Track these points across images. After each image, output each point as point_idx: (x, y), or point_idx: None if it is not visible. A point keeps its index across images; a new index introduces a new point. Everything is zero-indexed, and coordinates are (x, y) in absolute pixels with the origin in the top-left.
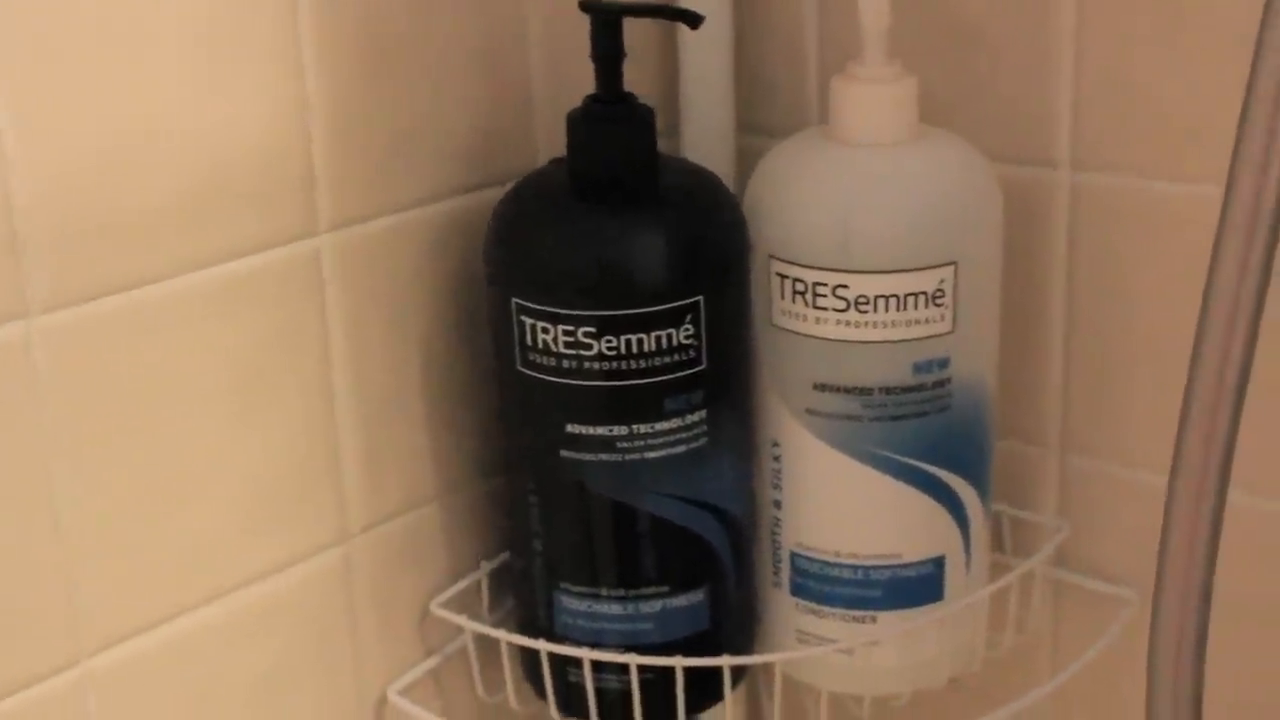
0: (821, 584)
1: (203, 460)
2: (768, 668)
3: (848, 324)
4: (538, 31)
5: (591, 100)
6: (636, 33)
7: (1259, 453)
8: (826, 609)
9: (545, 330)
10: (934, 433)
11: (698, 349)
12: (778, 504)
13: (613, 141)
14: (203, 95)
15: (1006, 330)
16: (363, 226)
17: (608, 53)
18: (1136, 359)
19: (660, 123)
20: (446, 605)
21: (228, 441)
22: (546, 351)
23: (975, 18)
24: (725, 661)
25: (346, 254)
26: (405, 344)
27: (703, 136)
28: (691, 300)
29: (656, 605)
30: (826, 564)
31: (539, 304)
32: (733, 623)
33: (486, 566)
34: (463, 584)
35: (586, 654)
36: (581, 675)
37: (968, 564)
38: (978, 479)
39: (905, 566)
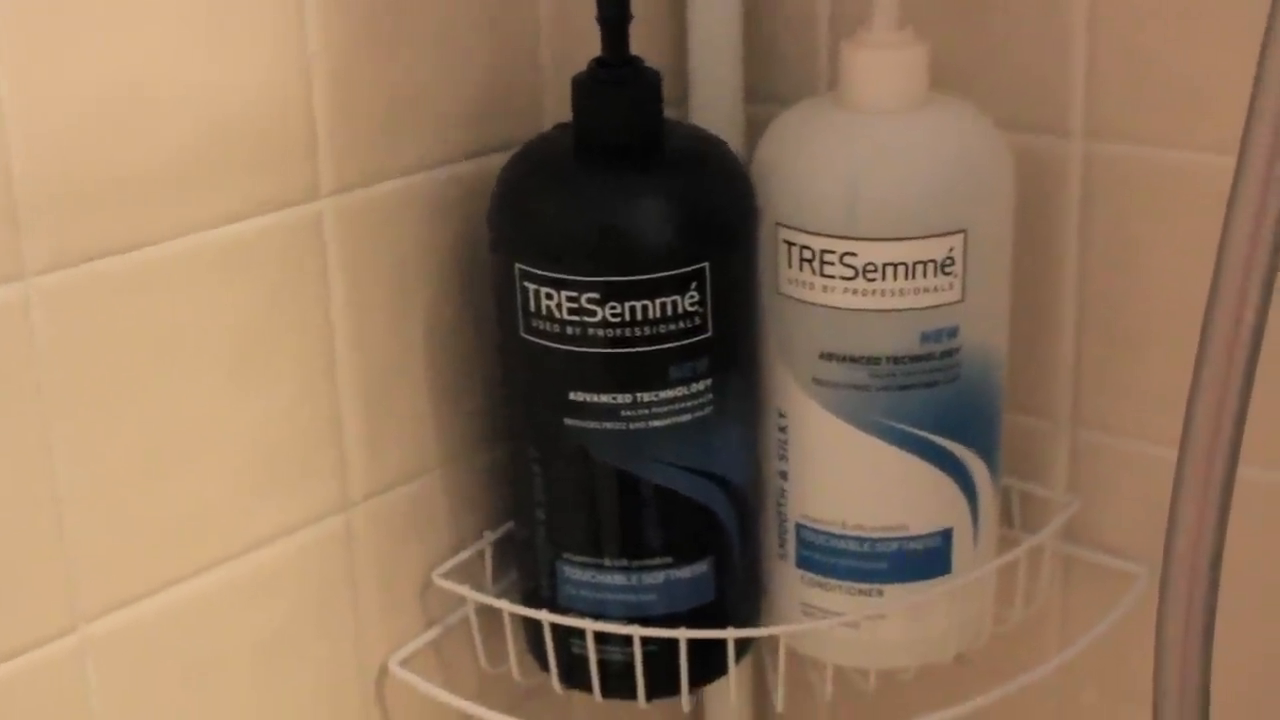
0: (827, 556)
1: (202, 425)
2: (772, 640)
3: (855, 292)
4: None
5: (597, 64)
6: None
7: (1271, 426)
8: (832, 581)
9: (549, 296)
10: (942, 403)
11: (703, 316)
12: (783, 475)
13: (618, 105)
14: (202, 55)
15: (1017, 301)
16: (365, 191)
17: (614, 15)
18: (1149, 331)
19: (669, 91)
20: (449, 575)
21: (228, 406)
22: (550, 318)
23: None
24: (729, 634)
25: (349, 218)
26: (408, 310)
27: (711, 104)
28: (697, 267)
29: (660, 576)
30: (832, 536)
31: (542, 270)
32: (737, 595)
33: (490, 536)
34: (465, 554)
35: (589, 625)
36: (585, 647)
37: (975, 537)
38: (986, 451)
39: (912, 539)
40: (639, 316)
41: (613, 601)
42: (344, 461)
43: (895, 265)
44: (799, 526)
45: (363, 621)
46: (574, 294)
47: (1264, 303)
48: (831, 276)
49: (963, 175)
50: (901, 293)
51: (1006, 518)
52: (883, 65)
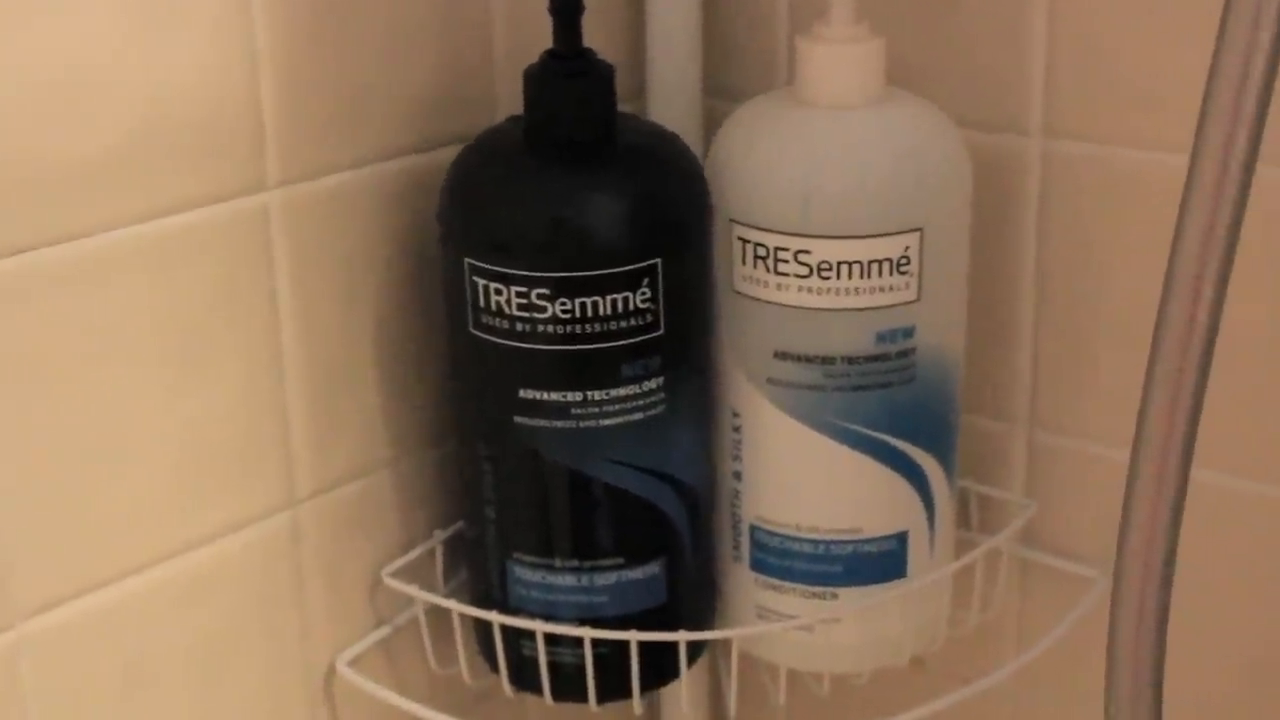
0: (782, 559)
1: (142, 421)
2: (726, 643)
3: (809, 291)
4: None
5: (549, 55)
6: None
7: (1224, 429)
8: (786, 584)
9: (498, 292)
10: (898, 405)
11: (655, 314)
12: (738, 475)
13: (570, 97)
14: (144, 40)
15: (974, 301)
16: (313, 183)
17: (565, 5)
18: (1108, 333)
19: (626, 85)
20: (398, 575)
21: (169, 402)
22: (499, 314)
23: None
24: (681, 637)
25: (296, 211)
26: (357, 305)
27: (669, 99)
28: (649, 263)
29: (612, 577)
30: (787, 538)
31: (491, 264)
32: (690, 597)
33: (440, 535)
34: (415, 553)
35: (540, 626)
36: (535, 648)
37: (932, 540)
38: (943, 453)
39: (867, 542)
40: (590, 313)
41: (564, 603)
42: (290, 458)
43: (850, 264)
44: (753, 528)
45: (309, 621)
46: (524, 289)
47: (1217, 302)
48: (786, 274)
49: (919, 172)
50: (856, 291)
51: (964, 520)
52: (838, 60)
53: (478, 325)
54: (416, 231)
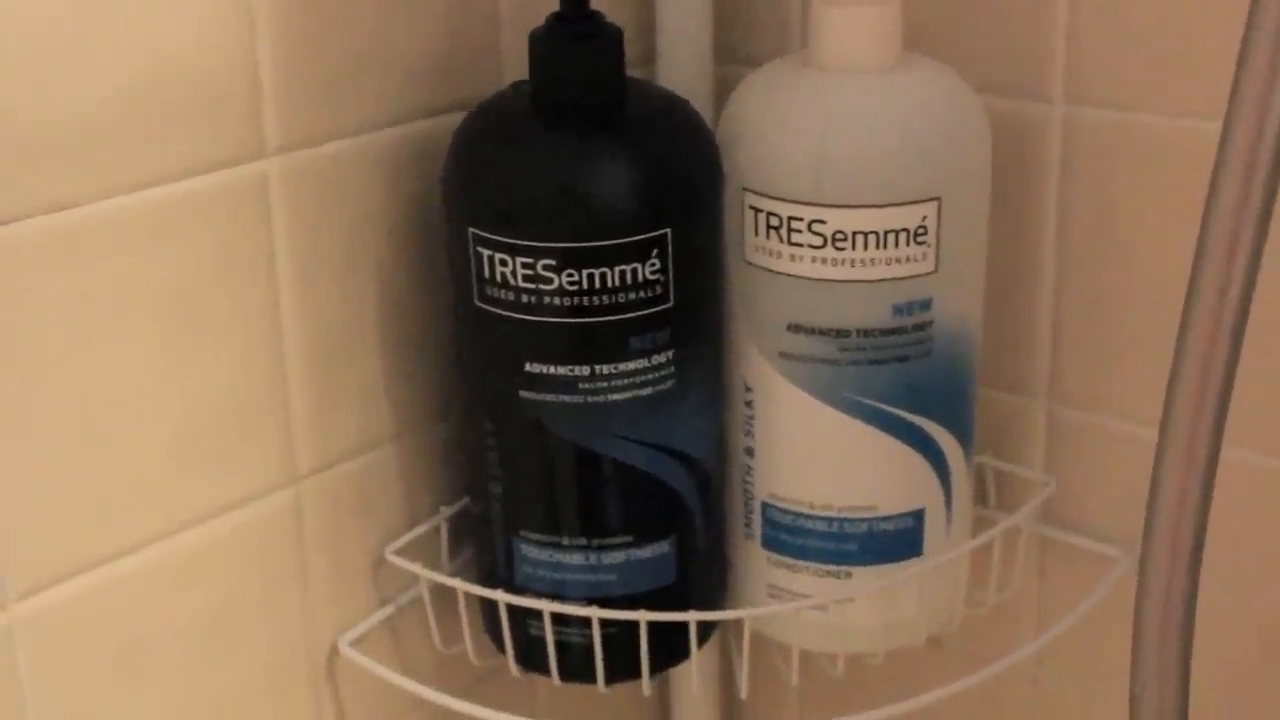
0: (795, 536)
1: (138, 395)
2: (738, 624)
3: (824, 262)
4: None
5: (555, 18)
6: None
7: (1255, 406)
8: (800, 563)
9: (503, 263)
10: (914, 379)
11: (665, 285)
12: (749, 451)
13: (577, 62)
14: (137, 1)
15: (993, 272)
16: (314, 150)
17: None
18: (1131, 305)
19: (636, 51)
20: (402, 552)
21: (166, 376)
22: (505, 285)
23: None
24: (691, 617)
25: (296, 179)
26: (359, 276)
27: (680, 65)
28: (658, 233)
29: (620, 556)
30: (800, 515)
31: (497, 235)
32: (701, 576)
33: (446, 512)
34: (419, 530)
35: (547, 606)
36: (542, 628)
37: (948, 518)
38: (960, 429)
39: (883, 519)
40: (598, 285)
41: (571, 581)
42: (291, 434)
43: (866, 234)
44: (765, 506)
45: (311, 601)
46: (529, 260)
47: (1251, 273)
48: (799, 245)
49: (937, 140)
50: (872, 263)
51: (981, 497)
52: (855, 23)
53: (482, 297)
54: (420, 200)
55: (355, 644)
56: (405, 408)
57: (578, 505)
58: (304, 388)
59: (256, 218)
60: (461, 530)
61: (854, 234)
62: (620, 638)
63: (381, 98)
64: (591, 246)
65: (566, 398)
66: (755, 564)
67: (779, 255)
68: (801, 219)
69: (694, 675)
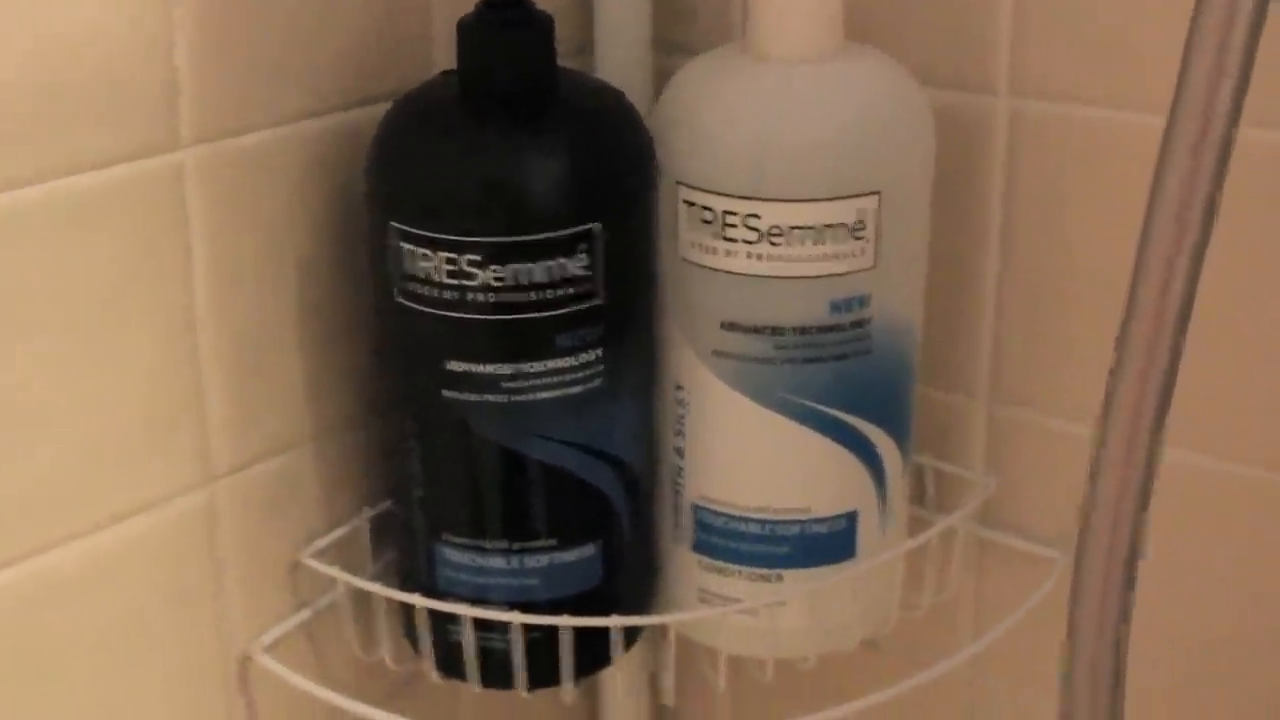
0: (726, 539)
1: (45, 394)
2: (664, 628)
3: (759, 257)
4: None
5: (485, 5)
6: None
7: (1193, 406)
8: (731, 566)
9: (425, 258)
10: (851, 378)
11: (593, 281)
12: (680, 452)
13: (505, 50)
14: None
15: (935, 268)
16: (233, 141)
17: None
18: (1074, 303)
19: (572, 40)
20: (321, 555)
21: (74, 374)
22: (427, 281)
23: None
24: (613, 622)
25: (213, 171)
26: (279, 271)
27: (617, 56)
28: (586, 227)
29: (544, 560)
30: (731, 518)
31: (419, 228)
32: (628, 580)
33: (369, 513)
34: (339, 533)
35: (466, 610)
36: (462, 633)
37: (883, 519)
38: (897, 429)
39: (815, 521)
40: (523, 280)
41: (493, 586)
42: (206, 433)
43: (802, 229)
44: (696, 508)
45: (225, 605)
46: (453, 255)
47: (1193, 274)
48: (734, 240)
49: (878, 132)
50: (809, 259)
51: (919, 497)
52: (792, 10)
53: (404, 293)
54: (344, 193)
55: (270, 650)
56: (327, 407)
57: (500, 507)
58: (221, 386)
59: (171, 211)
60: (385, 533)
61: (790, 228)
62: (543, 643)
63: (304, 87)
64: (516, 241)
65: (490, 397)
66: (685, 568)
67: (713, 251)
68: (736, 213)
69: (618, 682)
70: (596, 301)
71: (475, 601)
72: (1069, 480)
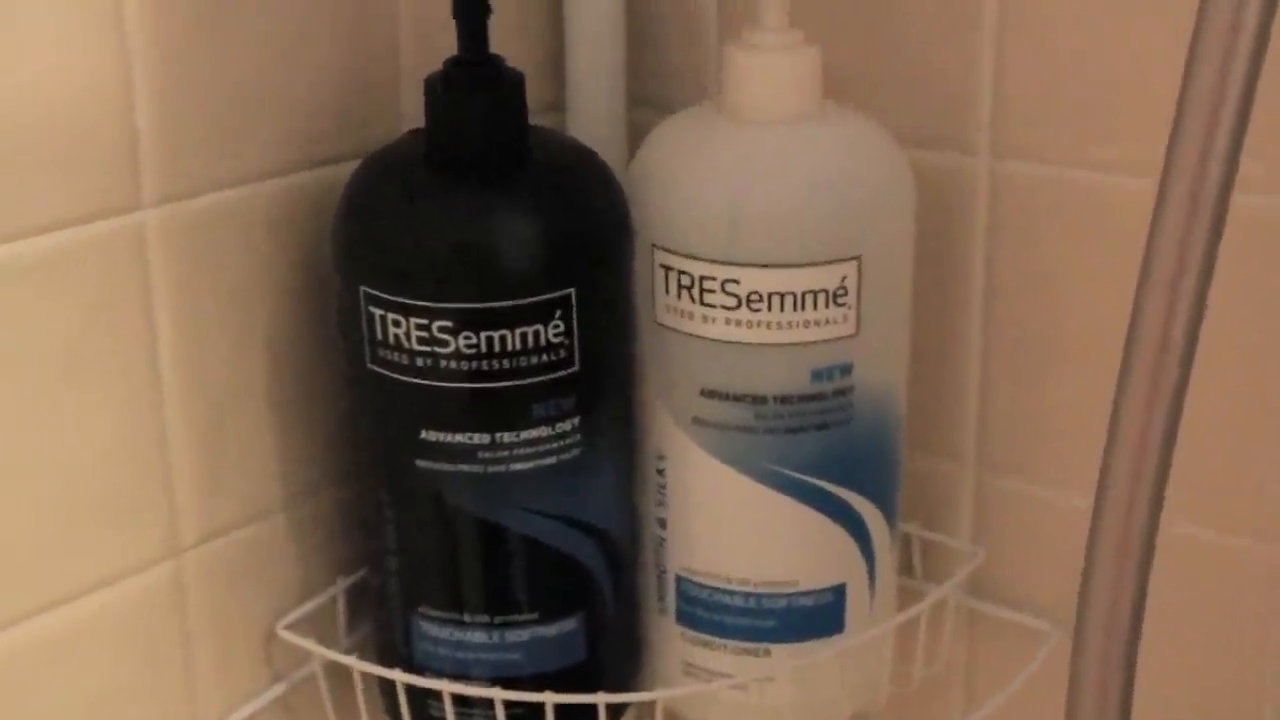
0: (710, 612)
1: (6, 462)
2: (651, 705)
3: (739, 324)
4: None
5: (453, 63)
6: None
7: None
8: (716, 640)
9: (397, 324)
10: (835, 447)
11: (569, 348)
12: (662, 523)
13: (475, 109)
14: None
15: (917, 333)
16: (196, 201)
17: (470, 7)
18: (1060, 368)
19: (545, 96)
20: (295, 627)
21: (35, 443)
22: (399, 348)
23: None
24: (600, 699)
25: (176, 232)
26: (246, 335)
27: (591, 112)
28: (562, 293)
29: (525, 634)
30: (716, 590)
31: (390, 294)
32: (612, 654)
33: (343, 584)
34: (314, 603)
35: (446, 686)
36: (443, 710)
37: (872, 592)
38: (883, 499)
39: (803, 595)
40: (497, 348)
41: (474, 660)
42: (173, 502)
43: (782, 295)
44: (680, 579)
45: (196, 680)
46: (424, 321)
47: (1192, 331)
48: (712, 305)
49: (859, 195)
50: (790, 325)
51: (907, 566)
52: (769, 70)
53: (375, 360)
54: (313, 255)
55: None
56: (297, 473)
57: (479, 580)
58: (187, 452)
59: (133, 272)
60: (360, 603)
61: (770, 295)
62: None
63: (268, 146)
64: (490, 308)
65: (465, 467)
66: (670, 640)
67: (691, 316)
68: (715, 278)
69: None
70: (573, 369)
71: (456, 677)
72: (1058, 549)
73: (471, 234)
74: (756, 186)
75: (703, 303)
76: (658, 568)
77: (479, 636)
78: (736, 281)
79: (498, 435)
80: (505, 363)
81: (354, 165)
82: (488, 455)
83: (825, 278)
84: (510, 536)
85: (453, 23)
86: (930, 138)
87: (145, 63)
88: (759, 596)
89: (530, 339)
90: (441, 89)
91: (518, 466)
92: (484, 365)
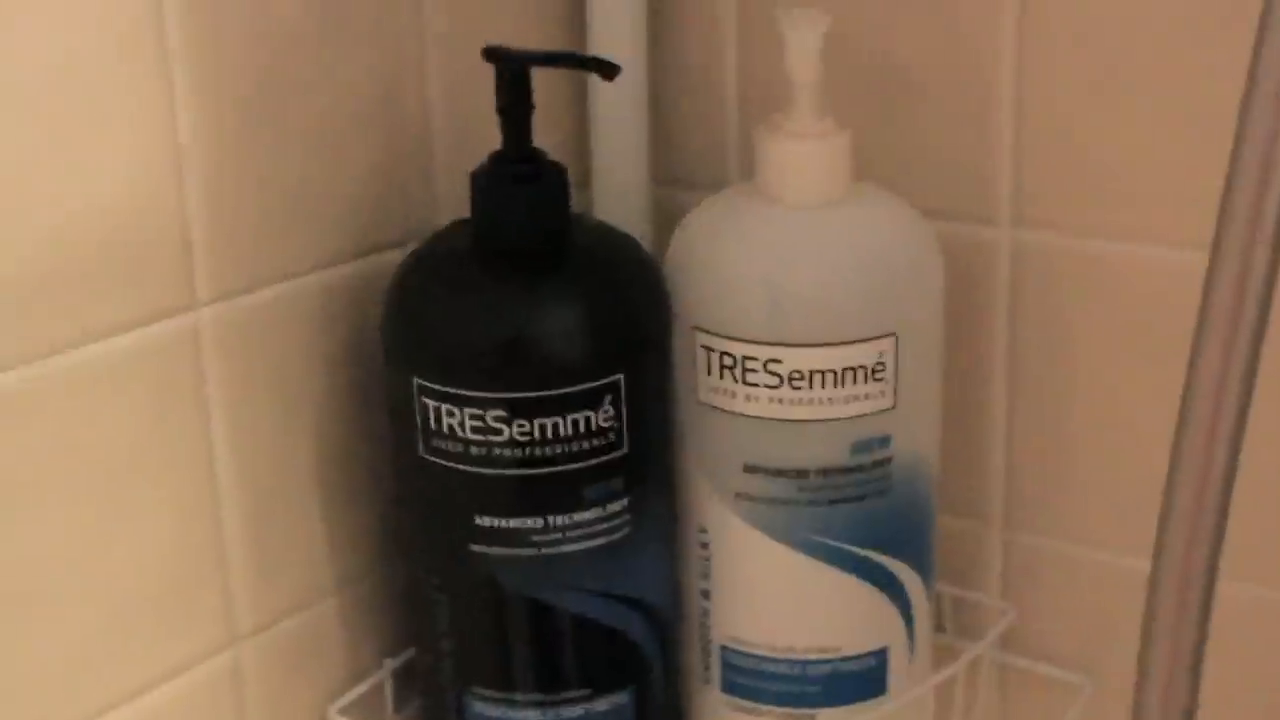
0: (755, 680)
1: (67, 563)
2: None
3: (781, 401)
4: (440, 81)
5: (497, 158)
6: (541, 77)
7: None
8: (762, 706)
9: (451, 414)
10: (874, 516)
11: (619, 431)
12: (706, 594)
13: (521, 204)
14: (55, 149)
15: (946, 399)
16: (247, 298)
17: (515, 106)
18: (1083, 429)
19: (570, 174)
20: (347, 711)
21: (96, 542)
22: (453, 437)
23: (908, 66)
24: None
25: (228, 329)
26: (296, 426)
27: (615, 189)
28: (611, 379)
29: (578, 710)
30: (761, 659)
31: (443, 385)
32: None
33: (391, 664)
34: (364, 686)
35: None
36: None
37: (911, 652)
38: (920, 563)
39: (846, 660)
40: (550, 434)
41: None
42: (229, 593)
43: (824, 372)
44: (724, 649)
45: None
46: (478, 411)
47: (1244, 401)
48: (755, 385)
49: (894, 274)
50: (831, 401)
51: (938, 623)
52: (805, 157)
53: (429, 449)
54: (358, 345)
55: None
56: (346, 558)
57: (532, 659)
58: (242, 546)
59: (188, 371)
60: (407, 683)
61: (811, 373)
62: None
63: (312, 241)
64: (542, 396)
65: (520, 551)
66: (716, 709)
67: (734, 395)
68: (757, 358)
69: None
70: (621, 451)
71: None
72: (1086, 604)
73: (524, 326)
74: (796, 268)
75: (745, 382)
76: (702, 638)
77: (532, 715)
78: (779, 361)
79: (550, 519)
80: (558, 449)
81: (395, 254)
82: (541, 538)
83: (864, 354)
84: (562, 615)
85: (481, 112)
86: (951, 209)
87: (196, 161)
88: (804, 663)
89: (582, 425)
90: (487, 183)
91: (569, 548)
92: (537, 452)
